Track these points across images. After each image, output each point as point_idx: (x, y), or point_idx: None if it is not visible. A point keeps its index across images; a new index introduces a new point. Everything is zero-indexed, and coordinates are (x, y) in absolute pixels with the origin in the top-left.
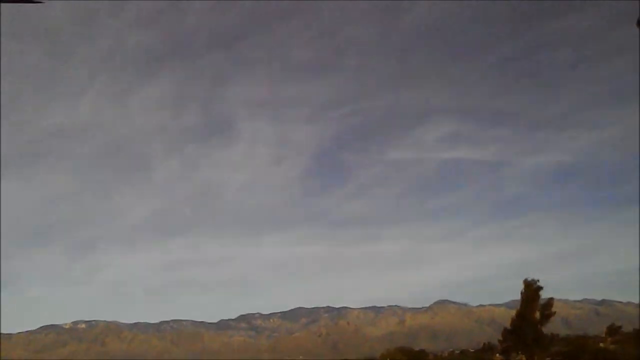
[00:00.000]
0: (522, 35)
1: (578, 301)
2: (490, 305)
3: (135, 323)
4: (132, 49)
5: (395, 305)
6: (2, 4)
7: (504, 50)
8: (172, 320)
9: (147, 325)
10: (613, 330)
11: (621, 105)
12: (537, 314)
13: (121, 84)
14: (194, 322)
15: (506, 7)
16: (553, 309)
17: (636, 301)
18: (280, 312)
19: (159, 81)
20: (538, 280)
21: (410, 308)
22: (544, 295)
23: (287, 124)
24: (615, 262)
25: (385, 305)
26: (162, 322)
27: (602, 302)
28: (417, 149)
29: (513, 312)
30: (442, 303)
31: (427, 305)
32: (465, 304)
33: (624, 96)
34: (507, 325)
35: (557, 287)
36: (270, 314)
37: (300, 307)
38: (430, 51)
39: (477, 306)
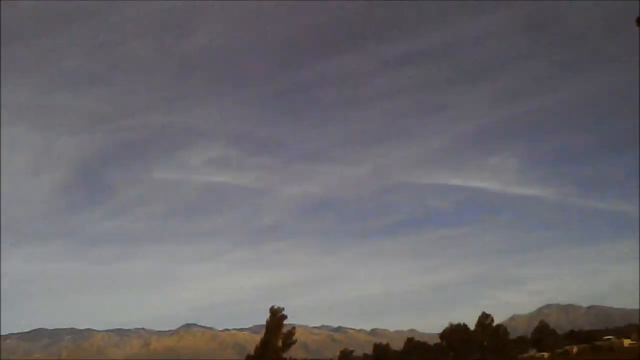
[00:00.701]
0: (297, 71)
1: (317, 327)
2: (234, 329)
3: None
4: None
5: (142, 328)
6: None
7: (278, 82)
8: None
9: None
10: (345, 355)
11: (372, 145)
12: (280, 342)
13: None
14: None
15: (284, 43)
16: (295, 337)
17: (367, 329)
18: (19, 333)
19: None
20: (283, 309)
21: (157, 331)
22: (288, 321)
23: (50, 134)
24: (351, 290)
25: (131, 327)
26: None
27: (338, 329)
28: (183, 170)
29: (256, 336)
30: (188, 327)
31: (174, 328)
32: (211, 328)
33: (376, 136)
34: (252, 349)
35: (300, 313)
36: (8, 334)
37: (41, 328)
38: (205, 75)
39: (223, 330)
